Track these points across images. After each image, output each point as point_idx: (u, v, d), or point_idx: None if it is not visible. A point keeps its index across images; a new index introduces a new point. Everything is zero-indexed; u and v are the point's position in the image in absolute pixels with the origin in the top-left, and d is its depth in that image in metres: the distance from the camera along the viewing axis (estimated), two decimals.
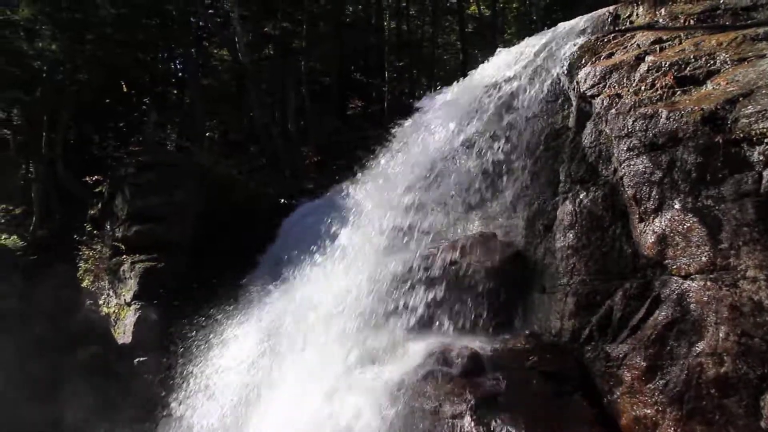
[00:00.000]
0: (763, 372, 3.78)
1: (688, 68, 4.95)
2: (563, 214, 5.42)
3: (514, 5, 25.77)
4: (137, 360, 9.63)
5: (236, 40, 18.95)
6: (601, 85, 5.53)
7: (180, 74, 22.90)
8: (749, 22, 5.38)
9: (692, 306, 4.19)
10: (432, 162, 7.09)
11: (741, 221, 3.99)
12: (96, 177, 13.20)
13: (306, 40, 20.05)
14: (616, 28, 6.55)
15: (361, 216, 7.60)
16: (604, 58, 5.90)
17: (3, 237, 11.89)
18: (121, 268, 11.39)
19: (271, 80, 20.89)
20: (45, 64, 15.45)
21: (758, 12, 5.45)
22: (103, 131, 21.30)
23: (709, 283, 4.10)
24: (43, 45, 15.31)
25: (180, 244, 11.31)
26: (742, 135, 4.06)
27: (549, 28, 7.67)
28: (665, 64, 5.12)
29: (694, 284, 4.20)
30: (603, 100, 5.30)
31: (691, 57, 5.01)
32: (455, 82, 8.43)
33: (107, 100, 19.81)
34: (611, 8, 7.02)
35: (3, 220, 13.14)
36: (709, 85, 4.69)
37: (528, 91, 6.59)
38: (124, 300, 10.99)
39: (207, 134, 20.90)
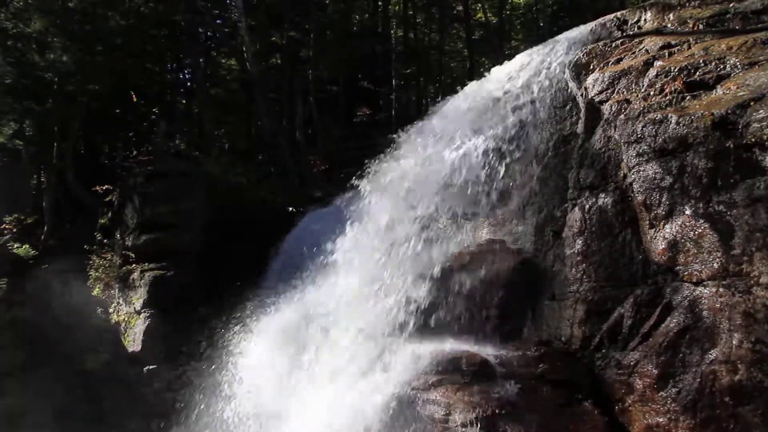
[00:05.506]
0: None
1: (698, 73, 4.93)
2: (572, 220, 5.39)
3: (521, 12, 25.79)
4: (147, 368, 9.65)
5: (244, 49, 19.09)
6: (609, 91, 5.51)
7: (188, 84, 23.12)
8: (759, 26, 5.35)
9: (704, 313, 4.15)
10: (440, 169, 7.07)
11: (754, 226, 3.94)
12: (106, 186, 13.30)
13: (313, 49, 20.17)
14: (624, 34, 6.54)
15: (369, 224, 7.59)
16: (612, 63, 5.88)
17: (15, 246, 11.97)
18: (131, 277, 11.45)
19: (278, 89, 21.01)
20: (56, 75, 15.63)
21: None
22: (113, 141, 21.50)
23: (721, 290, 4.05)
24: (55, 56, 15.50)
25: (189, 253, 11.36)
26: (753, 140, 4.02)
27: (556, 34, 7.67)
28: (674, 69, 5.09)
29: (706, 291, 4.16)
30: (612, 106, 5.28)
31: (701, 62, 4.98)
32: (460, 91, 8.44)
33: (117, 110, 20.00)
34: (618, 14, 7.01)
35: (15, 230, 13.24)
36: (720, 90, 4.65)
37: (535, 98, 6.58)
38: (134, 308, 11.04)
39: (215, 143, 21.00)
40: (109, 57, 16.35)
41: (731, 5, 5.76)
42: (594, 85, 5.66)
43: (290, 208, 12.96)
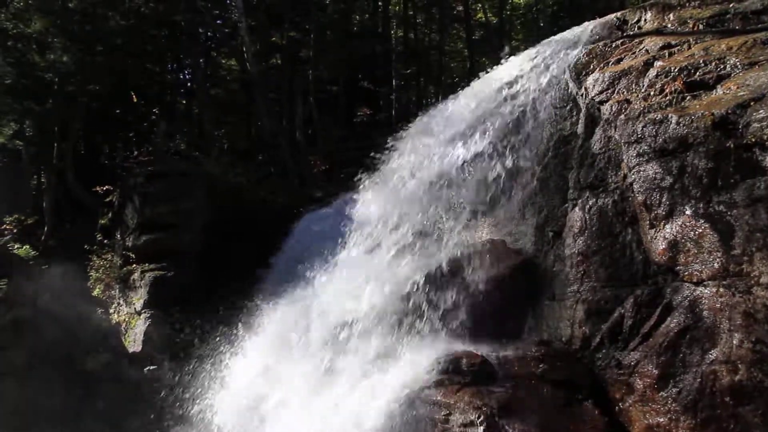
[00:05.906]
0: None
1: (698, 73, 4.93)
2: (573, 220, 5.39)
3: (521, 12, 25.79)
4: (147, 368, 9.65)
5: (244, 49, 19.07)
6: (609, 91, 5.51)
7: (188, 84, 23.12)
8: (759, 26, 5.35)
9: (705, 313, 4.15)
10: (441, 170, 7.08)
11: (754, 227, 3.95)
12: (106, 186, 13.29)
13: (313, 49, 20.16)
14: (624, 34, 6.54)
15: (369, 224, 7.59)
16: (612, 63, 5.88)
17: (15, 246, 11.97)
18: (132, 277, 11.45)
19: (278, 89, 20.99)
20: (56, 75, 15.64)
21: None
22: (113, 141, 21.51)
23: (721, 290, 4.05)
24: (55, 57, 15.51)
25: (189, 253, 11.35)
26: (753, 140, 4.02)
27: (556, 34, 7.66)
28: (674, 69, 5.09)
29: (706, 291, 4.16)
30: (612, 106, 5.28)
31: (701, 62, 4.98)
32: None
33: (117, 110, 20.01)
34: (619, 14, 7.01)
35: (15, 230, 13.24)
36: (720, 90, 4.66)
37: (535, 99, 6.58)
38: (135, 308, 11.04)
39: (215, 143, 21.01)
40: (109, 57, 16.35)
41: (731, 5, 5.76)
42: (594, 86, 5.66)
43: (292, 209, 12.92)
